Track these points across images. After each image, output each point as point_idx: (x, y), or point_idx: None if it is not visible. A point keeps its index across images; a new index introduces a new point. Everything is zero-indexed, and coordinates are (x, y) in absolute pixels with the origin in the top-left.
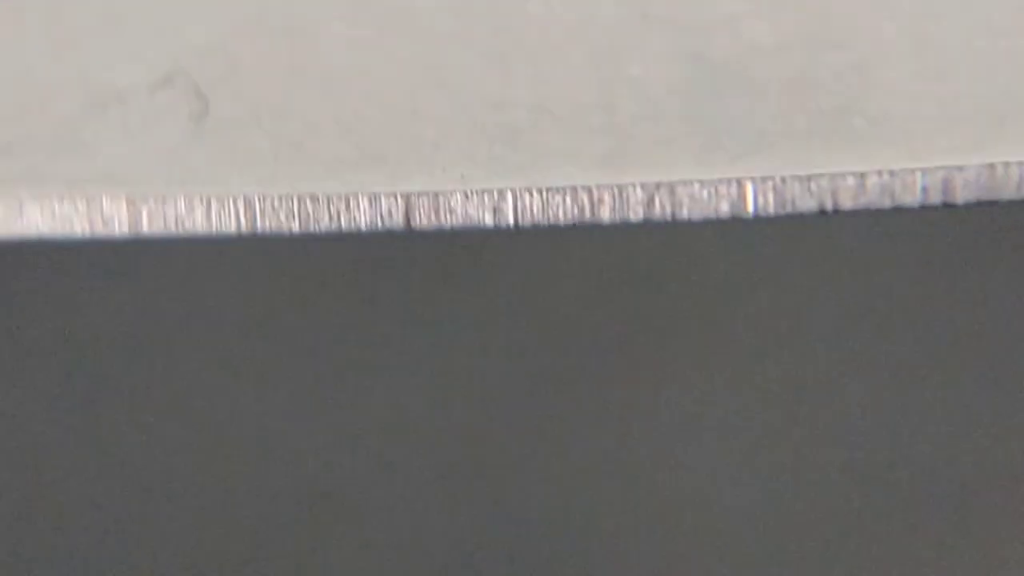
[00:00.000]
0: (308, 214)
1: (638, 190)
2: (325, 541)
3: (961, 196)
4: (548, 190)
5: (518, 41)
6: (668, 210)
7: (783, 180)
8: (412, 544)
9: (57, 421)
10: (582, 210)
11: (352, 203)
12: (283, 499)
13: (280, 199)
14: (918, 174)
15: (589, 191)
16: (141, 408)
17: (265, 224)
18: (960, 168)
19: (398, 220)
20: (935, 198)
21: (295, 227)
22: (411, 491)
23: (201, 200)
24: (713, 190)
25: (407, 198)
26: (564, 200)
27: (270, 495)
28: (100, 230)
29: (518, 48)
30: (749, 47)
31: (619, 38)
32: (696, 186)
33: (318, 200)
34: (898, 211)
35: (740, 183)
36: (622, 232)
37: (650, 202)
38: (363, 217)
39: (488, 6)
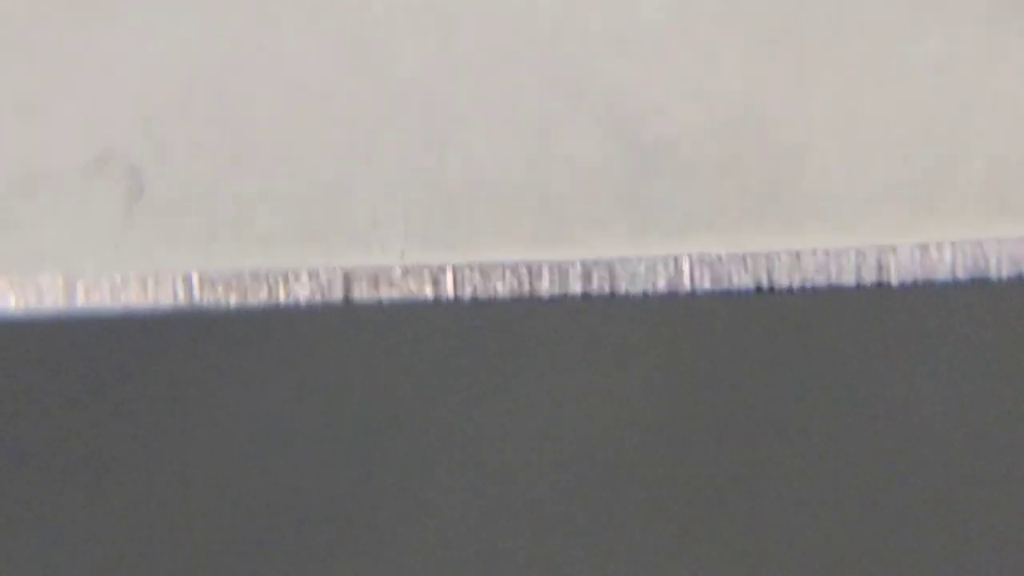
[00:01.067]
0: (246, 288)
1: (577, 265)
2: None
3: (895, 277)
4: (488, 265)
5: (450, 121)
6: (606, 285)
7: (719, 257)
8: None
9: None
10: (521, 285)
11: (291, 278)
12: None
13: (218, 274)
14: (852, 254)
15: (528, 266)
16: (77, 481)
17: (203, 298)
18: (894, 249)
19: (338, 294)
20: (869, 278)
21: (233, 301)
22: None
23: (137, 274)
24: (651, 266)
25: (346, 272)
26: (504, 275)
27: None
28: (35, 305)
29: (451, 127)
30: (680, 129)
31: (549, 121)
32: (634, 262)
33: (257, 275)
34: (833, 290)
35: (677, 259)
36: (561, 306)
37: (588, 277)
38: (303, 291)
39: (420, 86)
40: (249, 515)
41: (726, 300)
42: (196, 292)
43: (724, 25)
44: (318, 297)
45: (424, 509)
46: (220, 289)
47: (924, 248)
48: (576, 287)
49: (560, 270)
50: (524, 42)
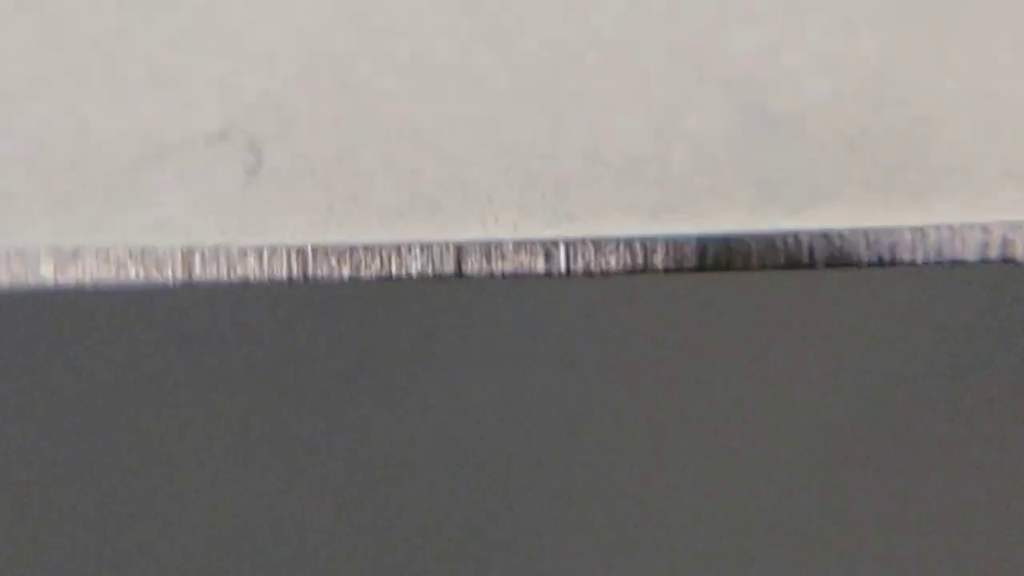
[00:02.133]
0: (360, 261)
1: (692, 240)
2: None
3: (1022, 253)
4: (601, 240)
5: (572, 93)
6: (723, 260)
7: (840, 233)
8: None
9: (97, 462)
10: (635, 259)
11: (404, 251)
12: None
13: (332, 246)
14: (977, 230)
15: (643, 241)
16: (193, 447)
17: (317, 271)
18: (1021, 225)
19: (450, 267)
20: (995, 254)
21: (346, 274)
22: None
23: (254, 247)
24: (767, 241)
25: (459, 247)
26: (617, 249)
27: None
28: (154, 277)
29: (571, 100)
30: (807, 102)
31: (674, 91)
32: (749, 237)
33: (370, 248)
34: (957, 266)
35: (797, 235)
36: (674, 280)
37: (703, 251)
38: (415, 264)
39: (542, 59)
40: (361, 481)
41: (847, 275)
42: (311, 265)
43: None
44: (430, 271)
45: (540, 482)
46: (334, 261)
47: None
48: (691, 261)
49: (675, 244)
50: (649, 12)
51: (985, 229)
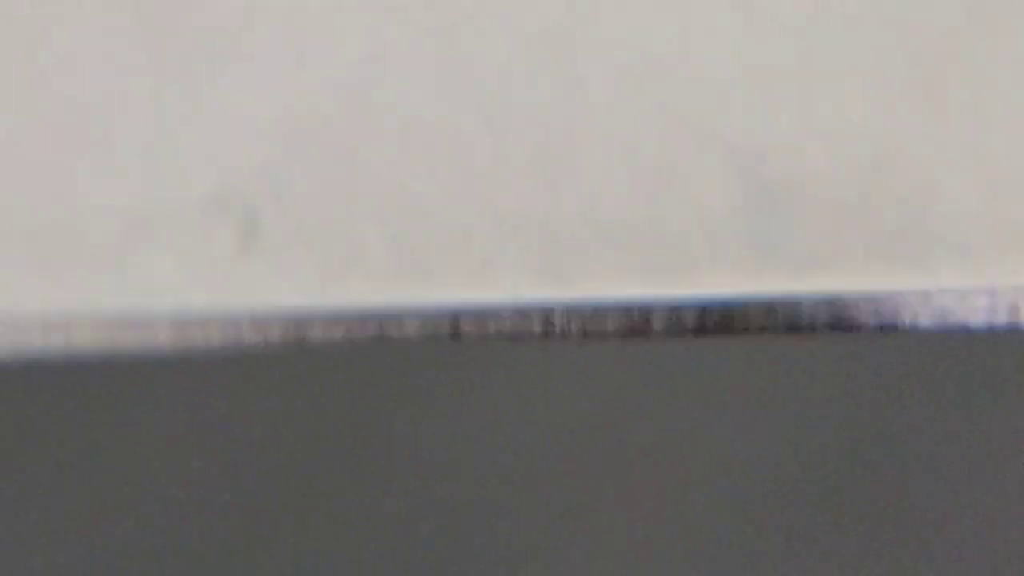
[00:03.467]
0: (355, 324)
1: (690, 303)
2: None
3: None
4: (598, 303)
5: (569, 157)
6: (720, 324)
7: (840, 296)
8: None
9: (89, 532)
10: (633, 323)
11: (400, 315)
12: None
13: (327, 311)
14: (984, 295)
15: (641, 304)
16: (187, 512)
17: (312, 335)
18: None
19: (446, 330)
20: (1001, 319)
21: (341, 337)
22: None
23: (248, 312)
24: (767, 304)
25: (455, 310)
26: (615, 313)
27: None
28: (147, 342)
29: (569, 164)
30: (807, 167)
31: (673, 157)
32: (750, 300)
33: (365, 313)
34: (963, 331)
35: (795, 297)
36: (674, 345)
37: (702, 315)
38: (411, 327)
39: (540, 124)
40: (358, 543)
41: (849, 340)
42: (305, 329)
43: (852, 62)
44: (425, 334)
45: (537, 544)
46: (329, 325)
47: None
48: (690, 325)
49: (674, 308)
50: (649, 78)
51: (991, 293)
